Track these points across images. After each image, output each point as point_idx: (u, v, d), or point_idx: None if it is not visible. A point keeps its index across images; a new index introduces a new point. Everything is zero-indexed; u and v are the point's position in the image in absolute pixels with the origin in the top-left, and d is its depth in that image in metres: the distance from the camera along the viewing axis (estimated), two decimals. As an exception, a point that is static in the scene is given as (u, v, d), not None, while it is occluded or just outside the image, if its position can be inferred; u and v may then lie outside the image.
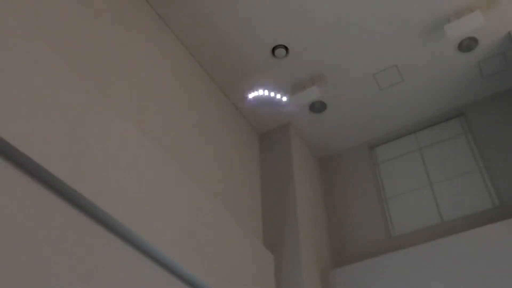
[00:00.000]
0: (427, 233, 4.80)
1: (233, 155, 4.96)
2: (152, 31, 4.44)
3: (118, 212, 2.91)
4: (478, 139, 5.10)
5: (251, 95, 5.03)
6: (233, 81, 5.19)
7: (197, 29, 4.73)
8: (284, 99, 5.05)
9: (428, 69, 5.11)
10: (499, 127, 5.05)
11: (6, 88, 2.52)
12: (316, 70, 5.11)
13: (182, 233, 3.42)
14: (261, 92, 4.93)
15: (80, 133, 2.88)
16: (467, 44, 4.83)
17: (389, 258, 4.49)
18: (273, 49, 4.89)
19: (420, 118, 5.61)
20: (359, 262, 4.63)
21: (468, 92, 5.33)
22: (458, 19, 4.43)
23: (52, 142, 2.65)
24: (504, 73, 5.13)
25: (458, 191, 4.91)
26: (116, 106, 3.55)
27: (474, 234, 4.20)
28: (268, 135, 5.70)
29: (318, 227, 5.22)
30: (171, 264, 3.27)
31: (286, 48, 4.89)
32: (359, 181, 5.58)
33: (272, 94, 5.03)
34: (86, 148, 2.88)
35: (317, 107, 5.42)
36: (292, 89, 5.27)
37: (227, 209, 4.44)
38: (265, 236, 4.84)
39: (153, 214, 3.20)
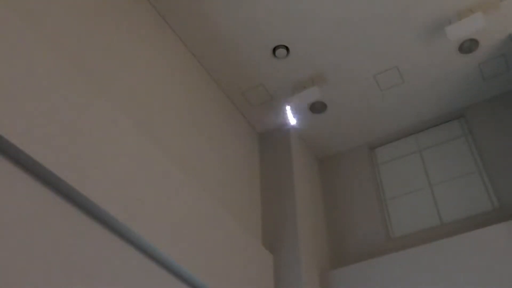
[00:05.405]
0: (426, 234, 4.80)
1: (233, 155, 4.96)
2: (154, 30, 4.43)
3: (118, 212, 2.91)
4: (478, 141, 5.10)
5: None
6: (234, 81, 5.19)
7: (198, 29, 4.73)
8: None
9: (429, 71, 5.11)
10: (499, 129, 5.05)
11: (6, 86, 2.51)
12: (316, 70, 5.11)
13: (181, 233, 3.41)
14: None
15: (81, 132, 2.87)
16: (468, 46, 4.83)
17: (388, 259, 4.48)
18: (274, 49, 4.89)
19: (420, 120, 5.61)
20: (358, 263, 4.63)
21: (469, 94, 5.33)
22: (459, 21, 4.43)
23: (53, 140, 2.65)
24: (504, 75, 5.13)
25: (457, 193, 4.91)
26: (116, 104, 3.54)
27: (473, 236, 4.20)
28: (268, 135, 5.70)
29: (318, 227, 5.22)
30: (170, 263, 3.26)
31: (287, 48, 4.89)
32: (359, 182, 5.58)
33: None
34: (87, 147, 2.88)
35: (318, 107, 5.42)
36: (292, 90, 5.27)
37: (227, 209, 4.43)
38: (264, 236, 4.84)
39: (152, 214, 3.19)
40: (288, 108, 5.16)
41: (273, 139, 5.62)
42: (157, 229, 3.18)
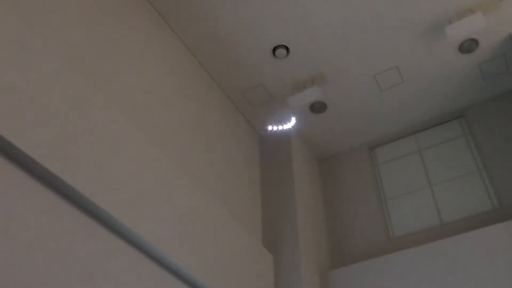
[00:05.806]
0: (426, 234, 4.80)
1: (233, 155, 4.96)
2: (153, 30, 4.43)
3: (118, 212, 2.91)
4: (478, 140, 5.10)
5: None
6: (234, 81, 5.19)
7: (198, 29, 4.73)
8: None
9: (429, 71, 5.11)
10: (499, 129, 5.05)
11: (6, 86, 2.51)
12: (316, 70, 5.10)
13: (181, 233, 3.41)
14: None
15: (81, 132, 2.87)
16: (468, 46, 4.83)
17: (388, 259, 4.48)
18: (274, 49, 4.89)
19: (420, 120, 5.61)
20: (358, 263, 4.63)
21: (469, 94, 5.33)
22: (459, 21, 4.43)
23: (52, 140, 2.65)
24: (504, 75, 5.13)
25: (457, 193, 4.91)
26: (116, 104, 3.54)
27: (474, 235, 4.20)
28: (268, 135, 5.69)
29: (318, 227, 5.22)
30: (170, 264, 3.26)
31: (287, 48, 4.89)
32: (359, 182, 5.58)
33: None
34: (87, 147, 2.88)
35: (318, 107, 5.42)
36: (292, 89, 5.27)
37: (227, 209, 4.43)
38: (264, 236, 4.84)
39: (152, 214, 3.19)
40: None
41: (273, 139, 5.62)
42: (157, 229, 3.18)
